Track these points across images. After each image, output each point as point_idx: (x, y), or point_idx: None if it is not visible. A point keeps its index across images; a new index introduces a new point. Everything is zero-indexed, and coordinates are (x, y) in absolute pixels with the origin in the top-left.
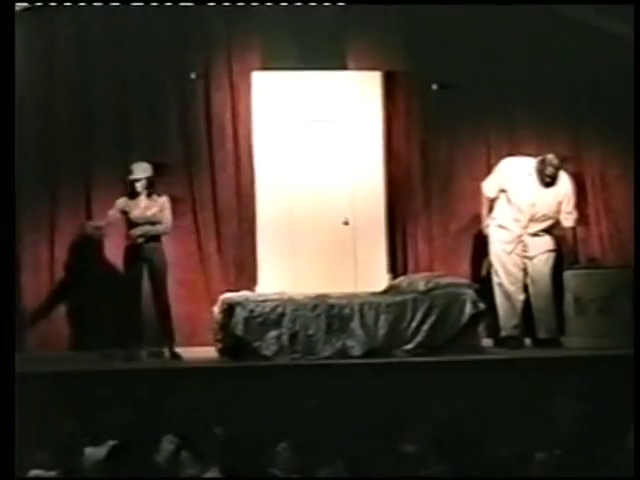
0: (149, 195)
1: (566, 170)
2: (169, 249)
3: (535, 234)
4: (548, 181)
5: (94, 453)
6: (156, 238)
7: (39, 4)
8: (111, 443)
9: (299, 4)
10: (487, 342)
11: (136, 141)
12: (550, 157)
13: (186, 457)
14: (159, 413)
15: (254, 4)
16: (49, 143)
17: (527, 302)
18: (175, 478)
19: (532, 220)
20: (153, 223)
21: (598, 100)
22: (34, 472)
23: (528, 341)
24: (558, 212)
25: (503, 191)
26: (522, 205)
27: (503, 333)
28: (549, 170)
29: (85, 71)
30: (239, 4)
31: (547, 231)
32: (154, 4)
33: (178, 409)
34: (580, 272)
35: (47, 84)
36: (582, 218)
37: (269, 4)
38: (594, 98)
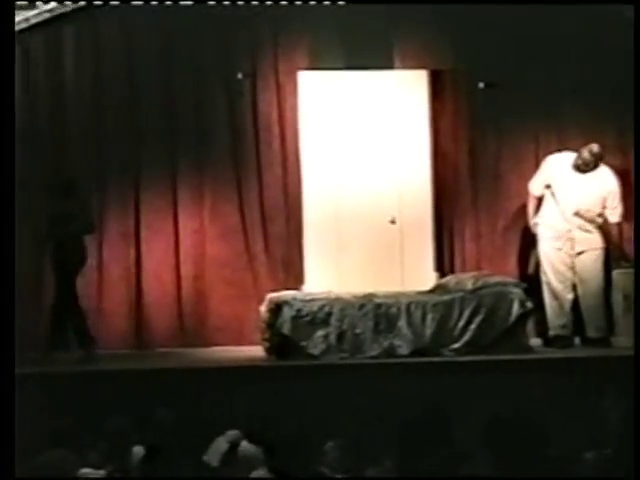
0: None
1: (613, 166)
2: (218, 248)
3: (583, 231)
4: (582, 167)
5: (142, 452)
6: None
7: (82, 3)
8: (151, 443)
9: (342, 3)
10: (536, 341)
11: (184, 140)
12: (590, 145)
13: (234, 457)
14: (206, 412)
15: (297, 3)
16: (97, 144)
17: (576, 301)
18: (221, 478)
19: (578, 216)
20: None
21: None
22: (84, 471)
23: (577, 340)
24: (604, 208)
25: (548, 187)
26: (567, 200)
27: (551, 332)
28: (585, 155)
29: (133, 71)
30: (282, 2)
31: (595, 229)
32: (200, 3)
33: (226, 409)
34: (629, 270)
35: (96, 85)
36: (629, 214)
37: (312, 3)
38: None
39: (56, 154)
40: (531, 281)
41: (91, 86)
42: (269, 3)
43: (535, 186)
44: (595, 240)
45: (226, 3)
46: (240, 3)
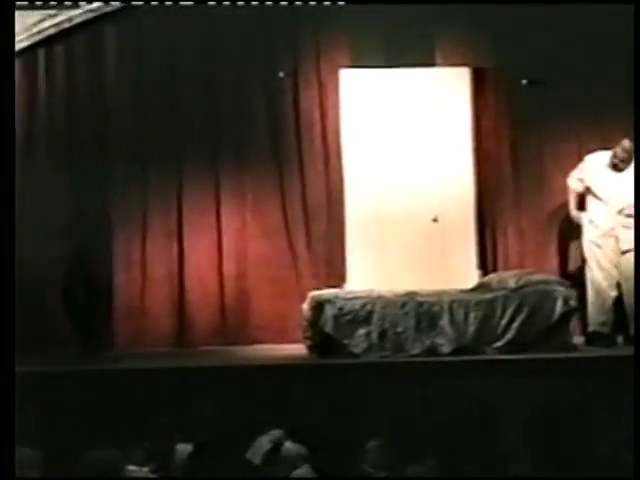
0: None
1: None
2: (260, 246)
3: (628, 228)
4: (617, 163)
5: (186, 449)
6: None
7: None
8: (198, 440)
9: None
10: (578, 340)
11: (226, 139)
12: (624, 141)
13: (277, 456)
14: (248, 410)
15: (341, 3)
16: (140, 141)
17: (620, 299)
18: (265, 478)
19: (620, 213)
20: None
21: None
22: (130, 468)
23: (621, 339)
24: None
25: (589, 185)
26: (609, 199)
27: (590, 328)
28: (618, 152)
29: (175, 71)
30: (326, 3)
31: None
32: (241, 3)
33: (268, 406)
34: None
35: (138, 82)
36: None
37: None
38: None
39: (98, 153)
40: (573, 278)
41: (133, 85)
42: (312, 3)
43: (572, 181)
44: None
45: (268, 3)
46: (283, 3)
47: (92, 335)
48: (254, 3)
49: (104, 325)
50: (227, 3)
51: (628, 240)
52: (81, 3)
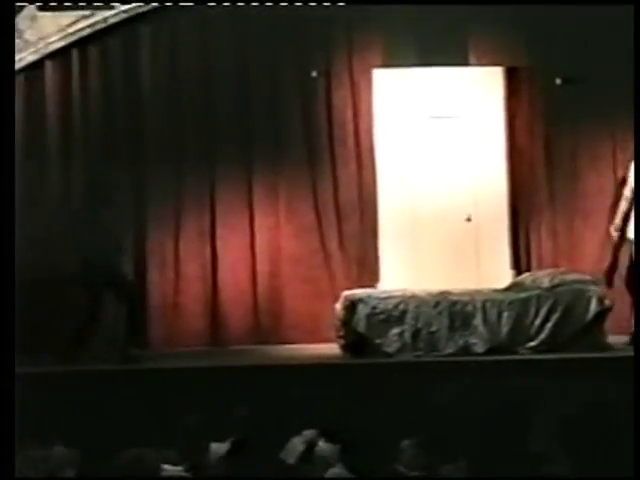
0: None
1: None
2: (293, 246)
3: None
4: None
5: (219, 448)
6: None
7: (156, 4)
8: (231, 439)
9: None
10: (618, 339)
11: (258, 139)
12: None
13: (311, 456)
14: (282, 410)
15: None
16: (174, 144)
17: None
18: (298, 478)
19: None
20: None
21: None
22: (164, 467)
23: None
24: None
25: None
26: None
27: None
28: None
29: (208, 71)
30: (357, 5)
31: None
32: (269, 4)
33: (301, 406)
34: None
35: (172, 83)
36: None
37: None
38: None
39: (133, 154)
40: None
41: (167, 86)
42: (341, 4)
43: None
44: None
45: (298, 4)
46: (312, 4)
47: (121, 336)
48: (283, 4)
49: (136, 325)
50: (257, 4)
51: None
52: (115, 4)
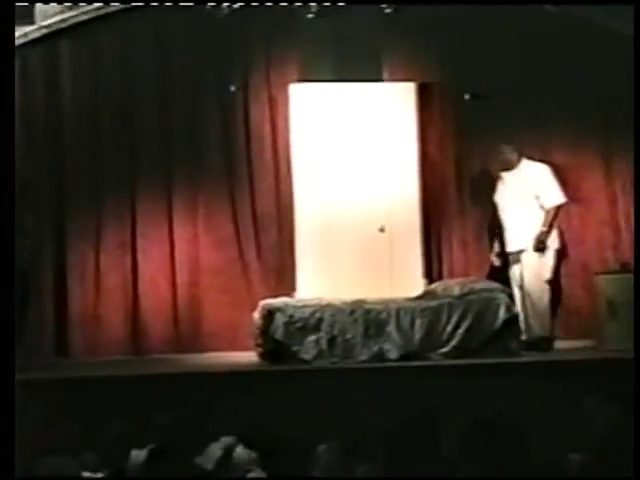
0: None
1: (596, 178)
2: (212, 257)
3: None
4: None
5: (139, 455)
6: None
7: (83, 18)
8: (151, 446)
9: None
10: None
11: (178, 152)
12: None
13: (228, 461)
14: (202, 417)
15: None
16: (95, 156)
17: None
18: (220, 478)
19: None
20: None
21: (630, 109)
22: (84, 474)
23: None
24: None
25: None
26: None
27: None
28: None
29: (129, 84)
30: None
31: None
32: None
33: (220, 413)
34: (612, 276)
35: (92, 98)
36: (613, 223)
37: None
38: (627, 107)
39: (52, 165)
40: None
41: (87, 100)
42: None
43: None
44: None
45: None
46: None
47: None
48: (202, 16)
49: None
50: (179, 17)
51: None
52: (36, 18)
